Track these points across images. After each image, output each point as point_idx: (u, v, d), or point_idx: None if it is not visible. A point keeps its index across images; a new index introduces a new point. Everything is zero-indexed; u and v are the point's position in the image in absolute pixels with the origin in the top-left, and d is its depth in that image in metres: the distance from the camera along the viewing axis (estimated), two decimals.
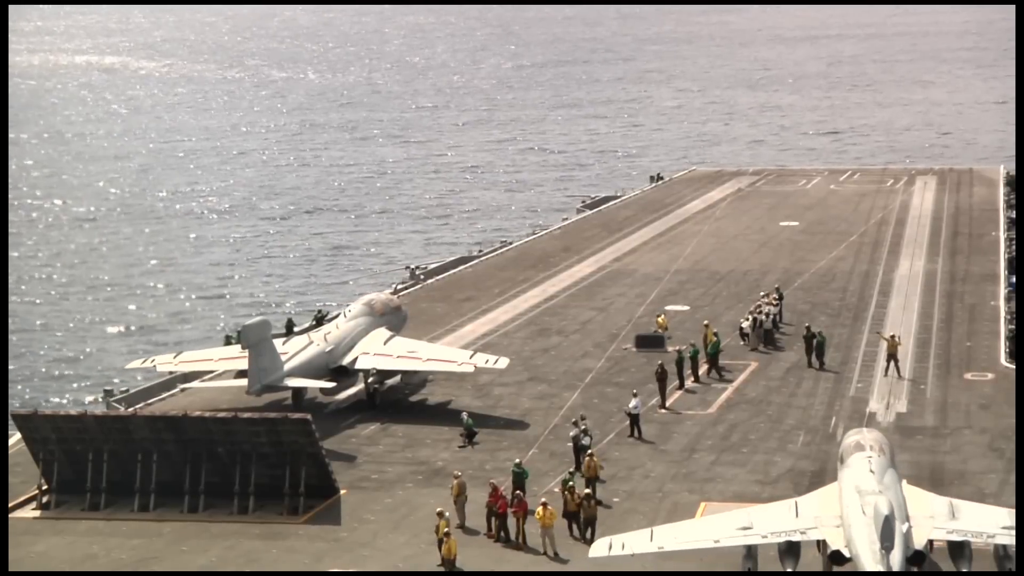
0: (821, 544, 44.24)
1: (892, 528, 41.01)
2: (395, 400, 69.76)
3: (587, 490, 51.55)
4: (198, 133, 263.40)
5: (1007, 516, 44.05)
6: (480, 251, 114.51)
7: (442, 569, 48.59)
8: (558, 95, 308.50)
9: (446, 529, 48.77)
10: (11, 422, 59.04)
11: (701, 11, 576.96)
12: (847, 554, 42.45)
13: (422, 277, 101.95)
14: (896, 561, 40.87)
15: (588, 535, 50.41)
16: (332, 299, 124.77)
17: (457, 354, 71.01)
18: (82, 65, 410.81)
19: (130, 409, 66.41)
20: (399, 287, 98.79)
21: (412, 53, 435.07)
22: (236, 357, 67.92)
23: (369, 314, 72.75)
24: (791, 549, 44.23)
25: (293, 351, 68.47)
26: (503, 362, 69.70)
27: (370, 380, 69.56)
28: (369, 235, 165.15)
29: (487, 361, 69.15)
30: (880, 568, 40.58)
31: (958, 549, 43.58)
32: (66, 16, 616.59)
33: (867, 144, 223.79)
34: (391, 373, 69.84)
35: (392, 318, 74.18)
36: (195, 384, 70.15)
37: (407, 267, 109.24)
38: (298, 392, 67.90)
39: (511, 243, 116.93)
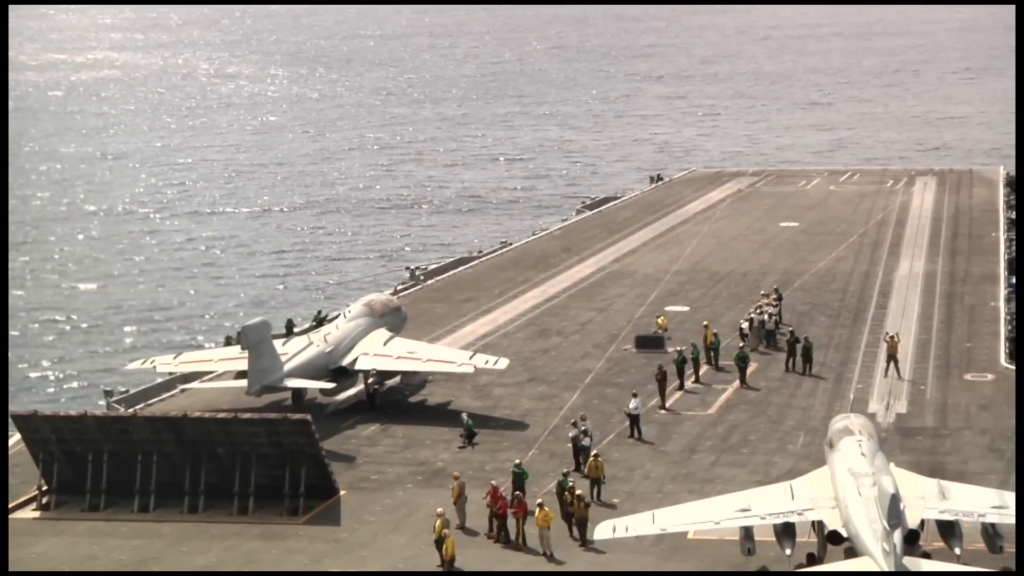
0: (817, 524, 45.74)
1: (899, 506, 42.06)
2: (395, 401, 69.80)
3: (578, 491, 51.48)
4: (197, 133, 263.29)
5: (995, 496, 45.51)
6: (480, 252, 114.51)
7: (442, 569, 48.61)
8: (538, 99, 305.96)
9: (444, 530, 48.78)
10: (11, 422, 59.02)
11: (691, 11, 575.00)
12: (844, 533, 43.76)
13: (422, 278, 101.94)
14: (898, 539, 41.98)
15: (580, 536, 50.59)
16: (332, 299, 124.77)
17: (457, 355, 71.00)
18: (70, 64, 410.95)
19: (130, 410, 66.51)
20: (399, 288, 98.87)
21: (395, 52, 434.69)
22: (236, 358, 67.74)
23: (369, 315, 72.68)
24: (787, 530, 45.69)
25: (293, 352, 68.41)
26: (503, 363, 69.56)
27: (370, 381, 69.46)
28: (369, 235, 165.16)
29: (487, 362, 69.01)
30: (884, 546, 41.58)
31: (949, 528, 44.97)
32: (40, 17, 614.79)
33: (862, 149, 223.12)
34: (391, 374, 69.77)
35: (392, 319, 74.13)
36: (195, 385, 70.15)
37: (407, 268, 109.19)
38: (298, 393, 67.79)
39: (511, 243, 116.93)
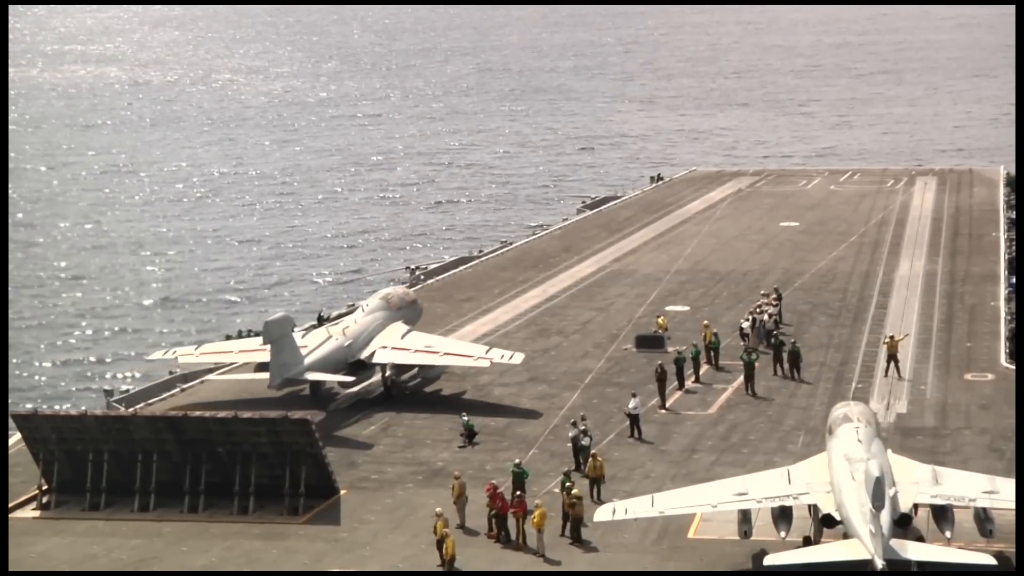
0: (812, 508, 47.05)
1: (883, 489, 43.69)
2: (411, 393, 70.92)
3: (574, 490, 51.43)
4: (198, 132, 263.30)
5: (987, 482, 47.21)
6: (480, 251, 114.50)
7: (442, 569, 48.61)
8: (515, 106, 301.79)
9: (444, 530, 48.78)
10: (11, 422, 59.06)
11: (680, 11, 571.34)
12: (838, 517, 45.23)
13: (422, 277, 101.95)
14: (885, 521, 43.54)
15: (574, 534, 50.64)
16: (332, 300, 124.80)
17: (473, 349, 72.39)
18: (73, 55, 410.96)
19: (130, 409, 66.55)
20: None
21: (378, 50, 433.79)
22: (256, 349, 69.65)
23: (386, 308, 74.03)
24: (784, 514, 47.18)
25: (312, 345, 69.31)
26: (518, 357, 70.42)
27: (387, 374, 71.02)
28: (369, 235, 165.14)
29: (503, 356, 70.07)
30: (870, 528, 42.95)
31: (941, 513, 46.62)
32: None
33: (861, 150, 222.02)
34: (408, 367, 71.48)
35: (408, 312, 75.38)
36: (214, 377, 71.50)
37: (407, 267, 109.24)
38: (317, 385, 68.95)
39: (511, 243, 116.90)
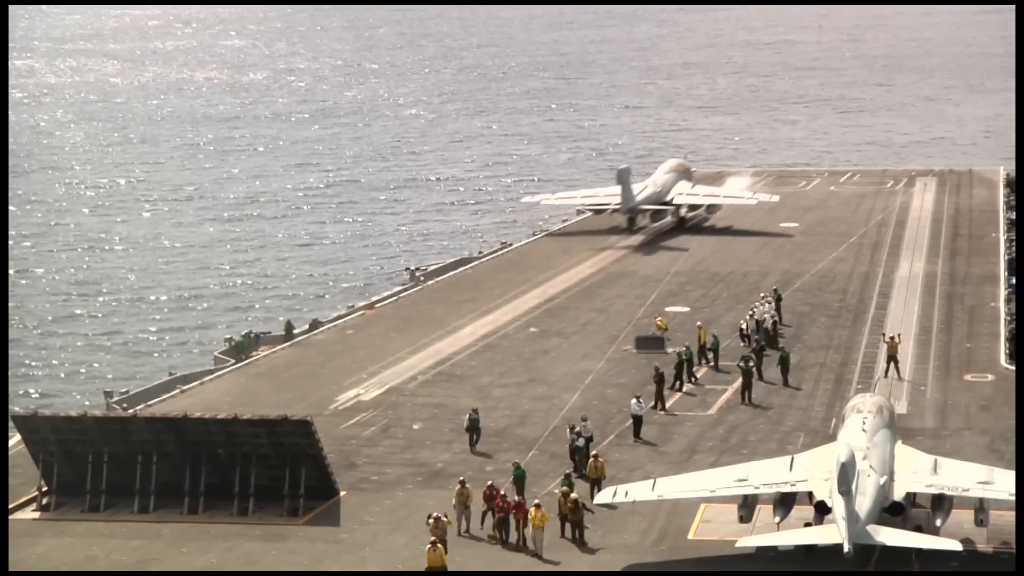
0: (811, 496, 47.90)
1: (848, 475, 44.61)
2: (697, 223, 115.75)
3: (572, 494, 51.41)
4: (198, 131, 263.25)
5: (984, 472, 48.45)
6: (480, 252, 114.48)
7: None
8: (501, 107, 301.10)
9: (432, 539, 48.19)
10: (11, 423, 59.09)
11: (676, 10, 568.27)
12: (830, 504, 46.04)
13: (422, 279, 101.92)
14: (863, 508, 44.74)
15: (578, 537, 50.75)
16: (331, 301, 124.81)
17: (743, 193, 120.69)
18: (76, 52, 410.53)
19: (130, 410, 66.54)
20: (400, 289, 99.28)
21: (371, 52, 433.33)
22: (595, 195, 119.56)
23: (675, 171, 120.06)
24: (784, 500, 48.18)
25: (637, 191, 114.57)
26: (775, 198, 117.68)
27: (683, 212, 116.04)
28: (367, 236, 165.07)
29: (767, 197, 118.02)
30: (842, 512, 44.16)
31: (938, 502, 47.84)
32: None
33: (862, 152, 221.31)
34: (698, 206, 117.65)
35: (687, 174, 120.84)
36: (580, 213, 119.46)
37: (407, 268, 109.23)
38: (634, 218, 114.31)
39: (511, 244, 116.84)
